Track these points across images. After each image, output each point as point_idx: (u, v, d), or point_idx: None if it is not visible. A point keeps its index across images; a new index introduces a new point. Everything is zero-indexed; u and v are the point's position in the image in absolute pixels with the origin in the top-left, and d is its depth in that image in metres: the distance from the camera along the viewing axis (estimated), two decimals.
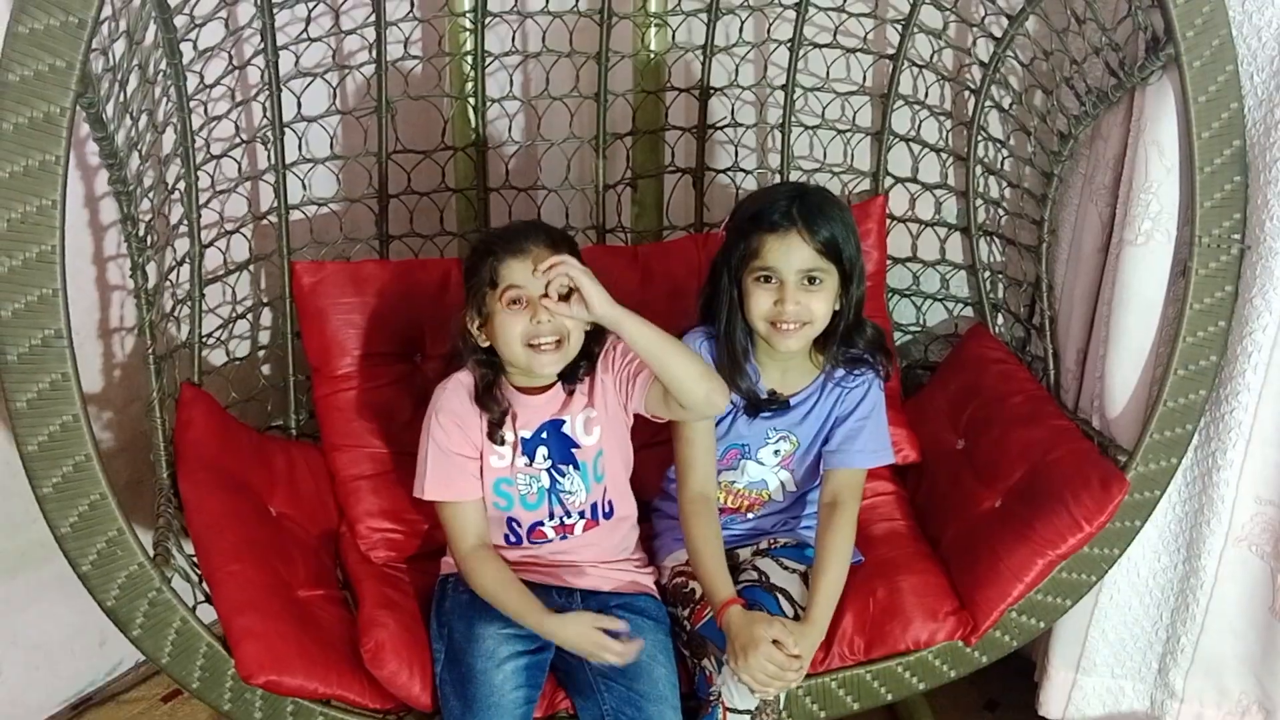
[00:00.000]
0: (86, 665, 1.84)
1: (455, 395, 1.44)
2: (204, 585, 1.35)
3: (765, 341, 1.47)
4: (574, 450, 1.46)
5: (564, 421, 1.45)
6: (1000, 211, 1.87)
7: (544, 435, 1.45)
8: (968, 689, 1.48)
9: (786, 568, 1.49)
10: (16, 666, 1.74)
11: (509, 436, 1.44)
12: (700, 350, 1.48)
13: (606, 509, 1.50)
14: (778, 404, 1.50)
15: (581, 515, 1.48)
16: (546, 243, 1.38)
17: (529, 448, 1.45)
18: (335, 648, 1.38)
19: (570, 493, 1.47)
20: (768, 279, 1.41)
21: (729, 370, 1.46)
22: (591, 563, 1.50)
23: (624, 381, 1.44)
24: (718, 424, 1.51)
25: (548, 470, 1.46)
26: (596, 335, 1.42)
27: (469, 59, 1.80)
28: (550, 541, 1.49)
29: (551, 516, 1.47)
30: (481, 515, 1.45)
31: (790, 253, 1.40)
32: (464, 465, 1.43)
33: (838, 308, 1.45)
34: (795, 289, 1.40)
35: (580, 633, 1.36)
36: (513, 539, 1.49)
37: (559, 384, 1.46)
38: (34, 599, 1.72)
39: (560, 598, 1.48)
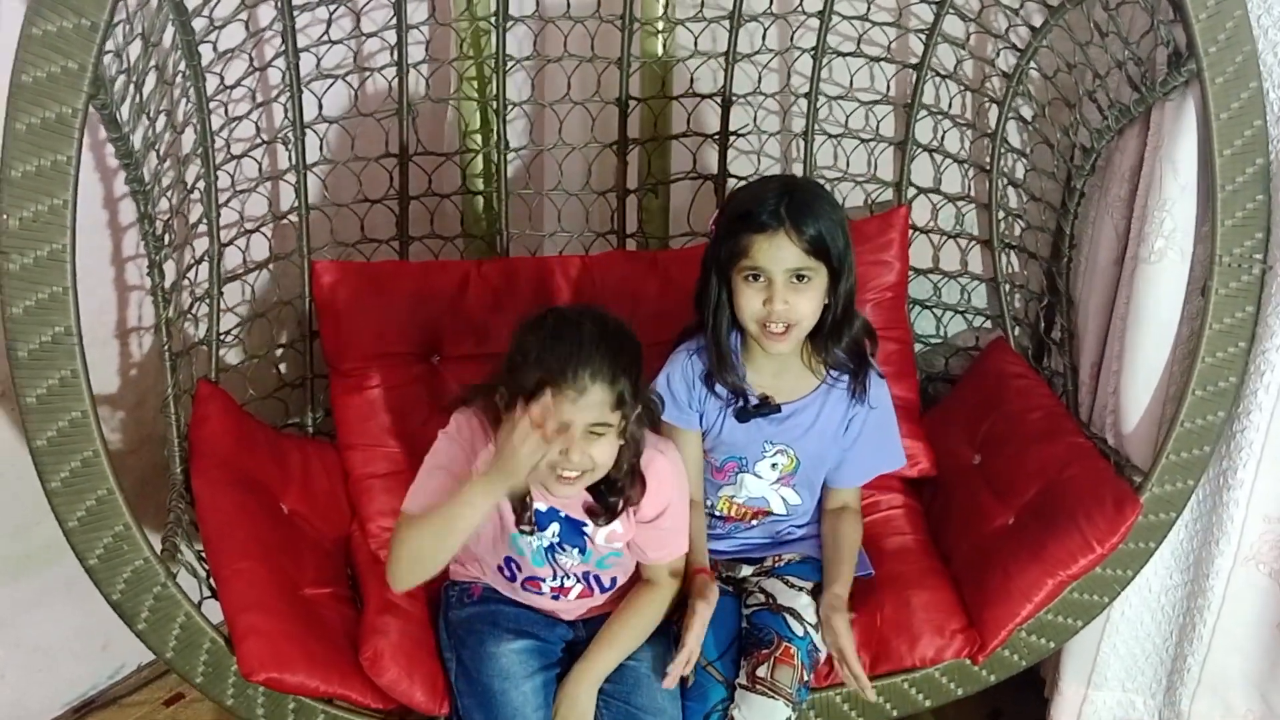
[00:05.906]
0: (89, 668, 1.84)
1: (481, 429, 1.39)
2: (211, 581, 1.36)
3: (755, 342, 1.45)
4: (585, 537, 1.42)
5: (585, 523, 1.41)
6: (1021, 224, 1.85)
7: (562, 513, 1.40)
8: (972, 698, 1.48)
9: (793, 585, 1.48)
10: (19, 669, 1.74)
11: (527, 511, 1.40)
12: (690, 363, 1.48)
13: (607, 584, 1.47)
14: (769, 409, 1.48)
15: (578, 581, 1.46)
16: (606, 379, 1.27)
17: (543, 520, 1.41)
18: (339, 647, 1.38)
19: (571, 560, 1.44)
20: (756, 277, 1.40)
21: (718, 369, 1.46)
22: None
23: (636, 543, 1.43)
24: (707, 430, 1.50)
25: (555, 543, 1.42)
26: (630, 472, 1.37)
27: (489, 62, 1.80)
28: (542, 596, 1.46)
29: (554, 576, 1.45)
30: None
31: (778, 253, 1.38)
32: (445, 485, 1.35)
33: (827, 302, 1.43)
34: (783, 288, 1.38)
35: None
36: (508, 574, 1.46)
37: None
38: (38, 602, 1.72)
39: (560, 626, 1.47)
